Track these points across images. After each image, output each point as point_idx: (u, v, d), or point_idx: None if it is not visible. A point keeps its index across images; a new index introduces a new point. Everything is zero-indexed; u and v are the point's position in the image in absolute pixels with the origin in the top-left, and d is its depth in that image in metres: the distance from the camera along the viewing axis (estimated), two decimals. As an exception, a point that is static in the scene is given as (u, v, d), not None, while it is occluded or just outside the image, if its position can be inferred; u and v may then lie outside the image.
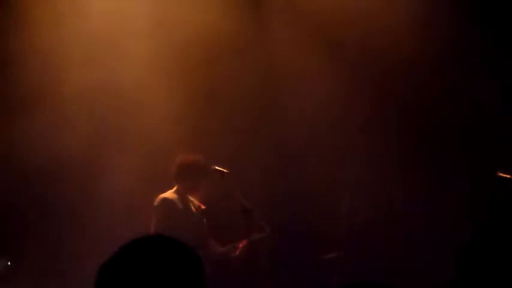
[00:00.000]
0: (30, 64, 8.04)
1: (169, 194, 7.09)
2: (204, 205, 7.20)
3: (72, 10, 8.21)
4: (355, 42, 8.38)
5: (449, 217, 7.87)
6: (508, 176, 6.99)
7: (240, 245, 7.17)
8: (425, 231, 8.04)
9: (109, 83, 8.15)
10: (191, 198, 7.18)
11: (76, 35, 8.17)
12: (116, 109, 8.22)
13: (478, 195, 7.77)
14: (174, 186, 7.14)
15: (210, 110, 8.51)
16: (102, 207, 7.91)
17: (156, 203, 7.02)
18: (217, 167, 7.17)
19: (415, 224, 8.07)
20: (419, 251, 7.98)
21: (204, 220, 7.20)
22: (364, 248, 8.01)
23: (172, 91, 8.23)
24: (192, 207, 7.16)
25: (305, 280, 8.04)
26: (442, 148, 8.35)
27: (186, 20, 8.28)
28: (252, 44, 8.68)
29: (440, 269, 7.33)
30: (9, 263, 7.43)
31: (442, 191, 8.07)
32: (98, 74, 8.13)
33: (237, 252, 7.19)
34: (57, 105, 8.15)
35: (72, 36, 8.17)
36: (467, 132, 8.30)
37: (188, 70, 8.39)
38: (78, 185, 8.11)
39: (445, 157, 8.32)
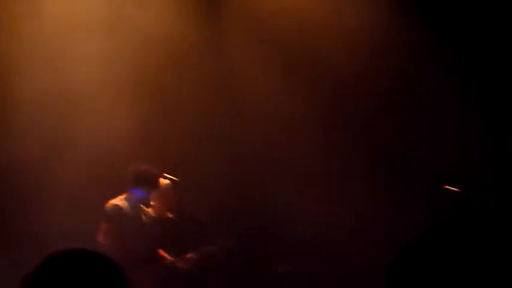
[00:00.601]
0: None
1: (120, 200, 6.97)
2: (155, 214, 7.10)
3: (24, 12, 8.03)
4: (308, 49, 8.39)
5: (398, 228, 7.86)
6: (455, 189, 7.01)
7: (189, 256, 7.08)
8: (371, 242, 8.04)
9: (62, 87, 7.99)
10: (142, 207, 7.06)
11: (28, 39, 7.99)
12: (68, 114, 8.05)
13: (424, 208, 7.77)
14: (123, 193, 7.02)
15: (165, 117, 8.41)
16: (53, 214, 7.73)
17: (106, 209, 6.90)
18: (167, 175, 7.08)
19: (363, 235, 8.07)
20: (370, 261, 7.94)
21: (155, 229, 7.09)
22: (317, 260, 8.00)
23: (126, 96, 8.12)
24: (143, 215, 7.05)
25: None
26: (392, 160, 8.35)
27: (141, 25, 8.20)
28: (209, 49, 8.63)
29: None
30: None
31: (391, 202, 8.07)
32: (49, 78, 7.97)
33: (185, 263, 7.09)
34: (8, 111, 7.98)
35: (24, 40, 7.99)
36: (416, 143, 8.30)
37: (143, 75, 8.31)
38: (29, 190, 7.93)
39: (395, 169, 8.32)
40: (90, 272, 2.14)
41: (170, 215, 7.33)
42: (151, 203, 7.14)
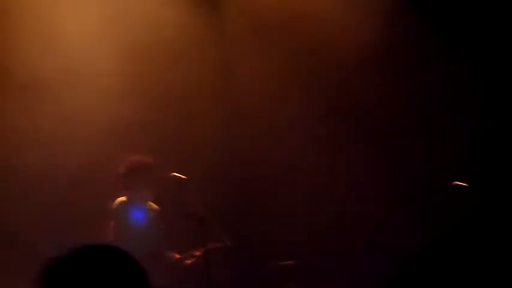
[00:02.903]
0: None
1: (125, 197, 7.02)
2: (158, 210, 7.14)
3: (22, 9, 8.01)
4: (312, 47, 8.40)
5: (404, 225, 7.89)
6: (464, 185, 7.01)
7: (196, 253, 7.10)
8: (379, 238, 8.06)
9: (60, 81, 7.97)
10: (149, 203, 7.11)
11: (25, 35, 7.98)
12: (67, 110, 8.02)
13: (433, 204, 7.79)
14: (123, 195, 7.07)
15: (166, 117, 8.40)
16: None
17: (114, 206, 6.95)
18: (175, 174, 7.10)
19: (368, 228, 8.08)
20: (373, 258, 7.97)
21: (160, 226, 7.12)
22: (322, 254, 8.02)
23: (126, 95, 8.12)
24: (150, 212, 7.09)
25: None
26: (399, 152, 8.36)
27: (141, 21, 8.21)
28: (210, 47, 8.64)
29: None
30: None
31: (397, 196, 8.09)
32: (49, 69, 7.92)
33: (191, 261, 7.11)
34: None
35: (21, 36, 7.98)
36: (423, 138, 8.31)
37: (143, 74, 8.31)
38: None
39: (402, 162, 8.33)
40: (111, 264, 2.20)
41: (176, 213, 7.36)
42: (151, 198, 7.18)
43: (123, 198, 7.00)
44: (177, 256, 7.17)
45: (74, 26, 7.99)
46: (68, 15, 8.01)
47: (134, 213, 6.98)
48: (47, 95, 7.89)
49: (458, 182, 7.00)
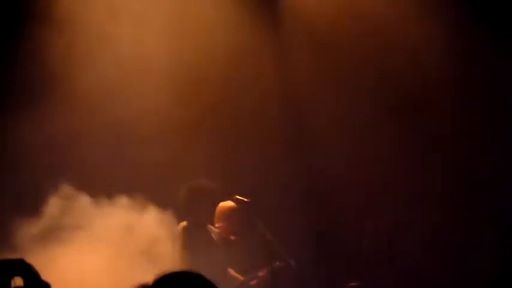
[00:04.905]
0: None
1: (186, 223, 7.10)
2: (225, 234, 7.20)
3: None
4: (372, 65, 8.40)
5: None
6: None
7: (260, 274, 7.14)
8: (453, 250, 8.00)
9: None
10: (211, 227, 7.19)
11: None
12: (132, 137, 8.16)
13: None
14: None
15: (233, 139, 8.49)
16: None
17: (179, 229, 7.01)
18: (238, 197, 7.18)
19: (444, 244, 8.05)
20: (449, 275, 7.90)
21: (225, 248, 7.21)
22: (390, 274, 7.98)
23: (190, 119, 8.24)
24: (212, 235, 7.17)
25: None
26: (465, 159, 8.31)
27: (202, 42, 8.30)
28: (269, 56, 8.67)
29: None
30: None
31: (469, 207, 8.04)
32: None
33: (255, 282, 7.16)
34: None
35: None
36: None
37: (208, 95, 8.40)
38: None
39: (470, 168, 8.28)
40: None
41: (241, 235, 7.40)
42: (216, 225, 7.26)
43: (184, 223, 7.09)
44: (242, 278, 7.24)
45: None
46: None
47: (197, 237, 7.04)
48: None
49: None
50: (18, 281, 2.55)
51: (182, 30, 8.27)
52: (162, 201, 6.68)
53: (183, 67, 8.19)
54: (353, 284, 7.83)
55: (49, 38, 7.94)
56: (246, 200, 7.13)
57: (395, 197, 8.19)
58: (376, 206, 8.27)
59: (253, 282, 7.13)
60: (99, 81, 7.95)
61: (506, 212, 7.99)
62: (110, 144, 8.01)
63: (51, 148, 7.80)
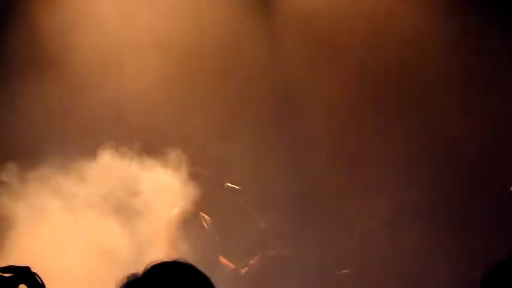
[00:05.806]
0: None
1: (182, 209, 7.11)
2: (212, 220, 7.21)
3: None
4: (366, 54, 8.38)
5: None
6: None
7: (251, 262, 7.14)
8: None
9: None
10: (203, 215, 7.18)
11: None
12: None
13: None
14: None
15: (223, 129, 8.48)
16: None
17: (169, 217, 7.01)
18: (229, 184, 7.17)
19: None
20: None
21: (216, 237, 7.20)
22: (380, 262, 7.98)
23: (184, 107, 8.23)
24: (204, 223, 7.16)
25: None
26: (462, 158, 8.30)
27: (194, 32, 8.26)
28: (262, 45, 8.63)
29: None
30: None
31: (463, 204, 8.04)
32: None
33: (246, 270, 7.16)
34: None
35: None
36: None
37: (201, 83, 8.39)
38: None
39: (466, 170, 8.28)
40: (187, 280, 2.29)
41: (232, 223, 7.40)
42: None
43: (177, 210, 7.09)
44: (233, 265, 7.24)
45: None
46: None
47: (188, 224, 7.05)
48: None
49: None
50: None
51: (174, 19, 8.25)
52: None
53: (174, 59, 8.19)
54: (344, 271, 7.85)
55: (40, 16, 7.97)
56: (237, 187, 7.13)
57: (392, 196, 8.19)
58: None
59: (243, 271, 7.13)
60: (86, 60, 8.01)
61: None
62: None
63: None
